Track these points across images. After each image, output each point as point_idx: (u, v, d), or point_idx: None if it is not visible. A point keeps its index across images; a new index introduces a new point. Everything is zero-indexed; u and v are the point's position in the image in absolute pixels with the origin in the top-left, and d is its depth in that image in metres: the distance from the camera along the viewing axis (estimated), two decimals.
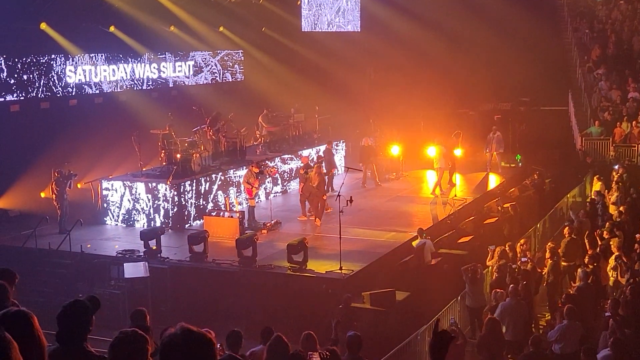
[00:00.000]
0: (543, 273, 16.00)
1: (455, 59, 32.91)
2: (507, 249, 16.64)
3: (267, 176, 22.59)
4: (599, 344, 11.23)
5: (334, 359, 8.03)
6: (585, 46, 34.56)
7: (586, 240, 16.58)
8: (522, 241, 17.39)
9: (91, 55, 23.89)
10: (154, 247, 17.87)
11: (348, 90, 32.26)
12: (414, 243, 18.05)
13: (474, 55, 32.97)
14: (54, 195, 20.06)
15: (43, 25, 22.03)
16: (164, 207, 20.54)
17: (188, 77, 28.24)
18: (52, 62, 22.65)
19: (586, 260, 15.33)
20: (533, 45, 33.33)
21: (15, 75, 21.51)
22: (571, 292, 14.13)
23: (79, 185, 21.81)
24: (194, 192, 20.94)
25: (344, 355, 9.27)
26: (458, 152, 25.20)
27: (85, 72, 23.77)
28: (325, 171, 23.02)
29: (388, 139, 27.24)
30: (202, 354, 2.90)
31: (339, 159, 27.25)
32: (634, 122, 28.00)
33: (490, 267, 16.49)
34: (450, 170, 24.79)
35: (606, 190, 22.03)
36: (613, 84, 31.34)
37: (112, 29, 24.23)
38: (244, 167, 21.68)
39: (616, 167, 23.92)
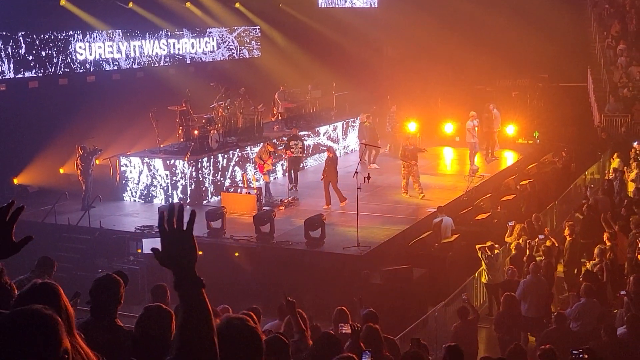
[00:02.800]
0: (561, 251, 15.96)
1: (473, 35, 32.64)
2: (526, 225, 16.62)
3: (284, 155, 22.62)
4: (616, 321, 11.23)
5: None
6: (604, 22, 34.18)
7: (604, 218, 16.49)
8: (532, 217, 17.38)
9: (109, 31, 23.89)
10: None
11: (365, 66, 32.13)
12: (435, 220, 17.98)
13: (491, 31, 32.70)
14: (79, 171, 20.14)
15: (63, 2, 22.05)
16: (181, 184, 20.65)
17: (205, 54, 28.20)
18: (70, 39, 22.68)
19: (604, 237, 15.28)
20: (552, 21, 32.97)
21: (34, 52, 21.57)
22: (589, 269, 14.11)
23: (97, 162, 21.94)
24: (211, 168, 21.02)
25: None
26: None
27: (103, 48, 23.79)
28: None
29: (405, 115, 27.13)
30: (245, 341, 2.96)
31: (354, 136, 27.22)
32: None
33: (509, 244, 16.49)
34: (487, 145, 24.79)
35: (625, 167, 21.88)
36: (633, 60, 31.02)
37: (130, 5, 24.20)
38: (261, 144, 21.69)
39: (635, 143, 23.72)
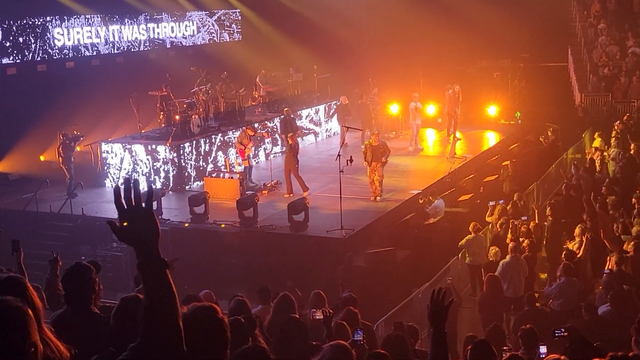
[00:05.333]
0: (544, 231, 16.04)
1: (454, 16, 32.55)
2: (508, 206, 16.67)
3: (263, 139, 22.61)
4: (597, 300, 11.32)
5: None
6: (584, 1, 34.24)
7: (586, 199, 16.57)
8: (516, 195, 17.46)
9: (87, 16, 23.67)
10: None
11: (346, 49, 32.00)
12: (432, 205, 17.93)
13: (472, 11, 32.63)
14: (60, 159, 19.92)
15: None
16: (163, 169, 20.55)
17: (185, 38, 28.02)
18: (47, 24, 22.45)
19: (584, 217, 15.37)
20: (532, 0, 32.99)
21: (11, 38, 21.33)
22: (570, 248, 14.20)
23: (78, 148, 21.78)
24: (193, 153, 20.93)
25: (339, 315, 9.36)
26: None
27: (82, 33, 23.57)
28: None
29: (387, 97, 27.12)
30: (212, 331, 2.92)
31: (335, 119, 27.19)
32: (634, 77, 27.95)
33: (490, 225, 16.56)
34: (448, 126, 24.93)
35: (605, 147, 22.00)
36: (613, 39, 31.15)
37: None
38: (244, 128, 21.60)
39: (616, 123, 23.83)
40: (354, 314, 8.20)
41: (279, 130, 22.95)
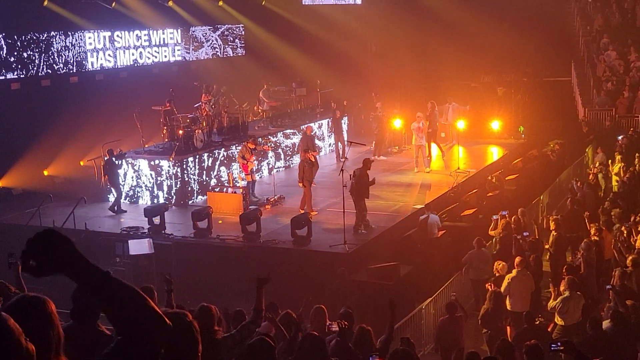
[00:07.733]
0: (546, 246, 15.99)
1: (457, 31, 32.70)
2: (511, 220, 16.63)
3: (265, 152, 22.64)
4: (604, 315, 11.28)
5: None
6: (588, 15, 34.34)
7: (587, 217, 16.52)
8: (520, 211, 17.41)
9: (92, 31, 23.75)
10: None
11: (350, 63, 32.10)
12: (422, 217, 17.93)
13: (475, 25, 32.75)
14: (105, 177, 19.92)
15: (46, 2, 21.88)
16: (167, 184, 20.56)
17: (189, 53, 28.09)
18: (51, 40, 22.52)
19: (591, 232, 15.31)
20: (535, 15, 33.12)
21: (15, 53, 21.40)
22: (573, 263, 14.16)
23: (81, 163, 21.82)
24: (196, 168, 20.94)
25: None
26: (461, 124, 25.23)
27: (86, 49, 23.63)
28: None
29: (390, 111, 27.14)
30: (182, 334, 2.98)
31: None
32: (638, 92, 27.95)
33: (493, 239, 16.52)
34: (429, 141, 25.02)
35: (609, 161, 21.98)
36: (616, 53, 31.19)
37: (113, 5, 24.05)
38: (245, 142, 21.59)
39: (620, 137, 23.81)
40: (367, 332, 8.16)
41: (298, 146, 22.98)
